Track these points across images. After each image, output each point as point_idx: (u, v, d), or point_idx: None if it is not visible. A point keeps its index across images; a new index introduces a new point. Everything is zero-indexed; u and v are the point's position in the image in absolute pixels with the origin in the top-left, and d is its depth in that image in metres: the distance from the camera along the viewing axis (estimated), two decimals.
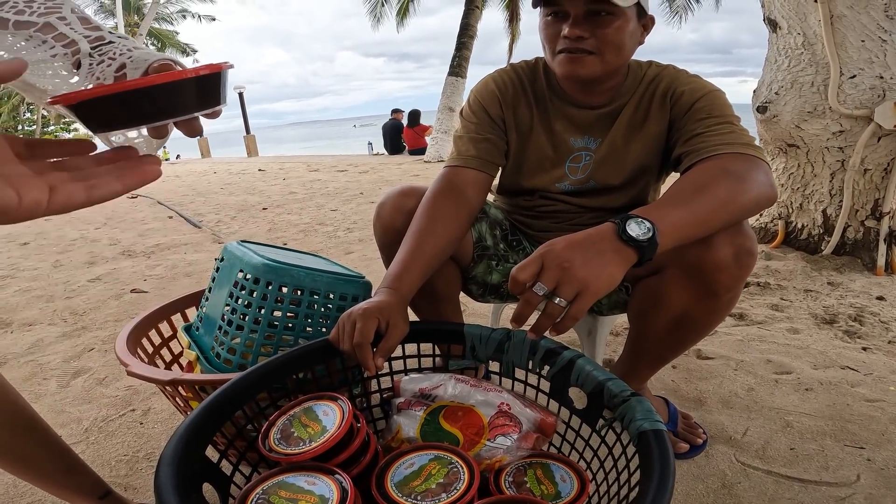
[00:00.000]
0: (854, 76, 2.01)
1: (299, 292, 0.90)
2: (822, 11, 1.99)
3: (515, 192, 1.11)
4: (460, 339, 0.84)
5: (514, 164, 1.06)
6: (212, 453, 0.65)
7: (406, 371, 0.89)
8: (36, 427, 0.78)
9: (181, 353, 1.12)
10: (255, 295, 0.88)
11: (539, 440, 0.78)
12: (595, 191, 1.04)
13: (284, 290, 0.90)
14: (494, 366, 0.86)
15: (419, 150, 8.50)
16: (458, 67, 8.09)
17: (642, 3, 0.89)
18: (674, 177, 0.91)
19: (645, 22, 0.94)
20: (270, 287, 0.88)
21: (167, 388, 0.85)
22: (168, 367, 1.11)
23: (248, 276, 0.89)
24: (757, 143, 0.84)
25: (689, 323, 0.88)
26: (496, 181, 1.10)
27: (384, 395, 0.92)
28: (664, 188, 1.05)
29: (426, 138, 8.47)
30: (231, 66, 0.40)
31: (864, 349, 1.48)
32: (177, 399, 0.92)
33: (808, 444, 1.07)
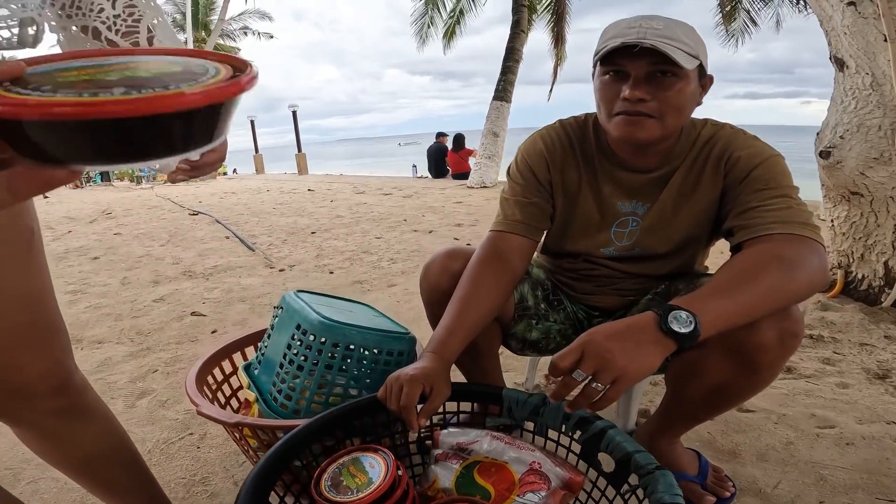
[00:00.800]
0: None
1: (351, 347, 0.98)
2: (892, 51, 1.91)
3: (559, 254, 1.12)
4: (498, 401, 0.89)
5: (560, 227, 1.06)
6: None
7: (446, 424, 0.95)
8: (134, 461, 0.88)
9: (240, 387, 1.22)
10: (311, 349, 0.97)
11: (566, 497, 0.82)
12: (640, 257, 1.03)
13: (338, 344, 0.98)
14: (529, 424, 0.91)
15: (462, 175, 8.60)
16: (503, 92, 8.17)
17: (704, 63, 0.87)
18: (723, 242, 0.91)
19: (704, 82, 0.91)
20: (325, 342, 0.96)
21: (231, 428, 0.95)
22: (227, 400, 1.21)
23: (306, 330, 0.98)
24: (826, 192, 0.82)
25: (727, 392, 0.88)
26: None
27: (425, 442, 0.98)
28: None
29: (469, 162, 8.57)
30: (251, 81, 0.28)
31: None
32: (235, 433, 1.01)
33: (839, 498, 1.06)
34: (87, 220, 5.78)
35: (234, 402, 1.24)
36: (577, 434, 0.83)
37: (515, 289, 1.09)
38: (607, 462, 0.80)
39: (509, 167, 1.08)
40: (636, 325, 0.68)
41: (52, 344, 0.71)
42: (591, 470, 0.83)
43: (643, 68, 0.84)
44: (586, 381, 0.67)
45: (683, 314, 0.67)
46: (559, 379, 0.68)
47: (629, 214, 1.01)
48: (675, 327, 0.66)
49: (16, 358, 0.66)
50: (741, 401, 0.92)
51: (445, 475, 0.85)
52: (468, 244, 2.50)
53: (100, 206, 7.58)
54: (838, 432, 1.29)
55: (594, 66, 0.92)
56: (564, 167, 1.02)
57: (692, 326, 0.66)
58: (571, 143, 1.02)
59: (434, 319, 0.96)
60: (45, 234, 5.08)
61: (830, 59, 2.23)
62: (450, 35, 11.95)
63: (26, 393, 0.70)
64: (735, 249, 0.87)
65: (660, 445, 1.04)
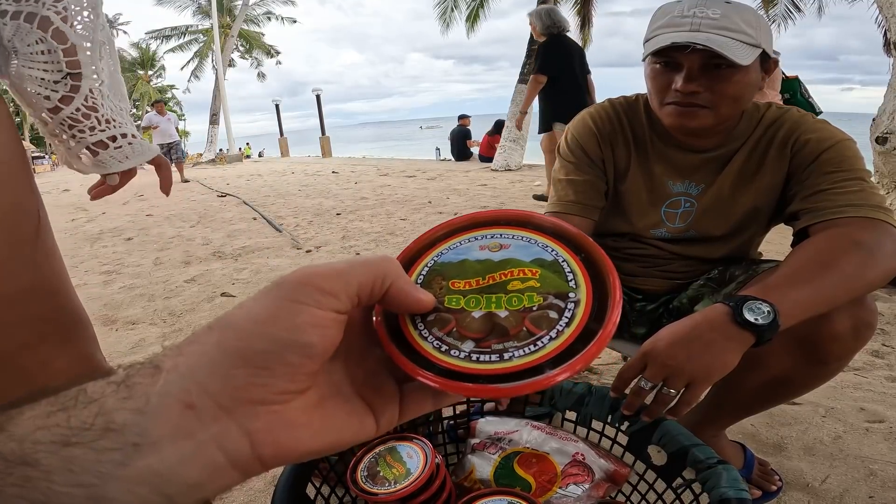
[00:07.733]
0: None
1: None
2: None
3: (604, 234, 1.08)
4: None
5: (608, 205, 1.02)
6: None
7: (483, 413, 0.92)
8: None
9: None
10: None
11: (609, 489, 0.79)
12: (694, 240, 0.99)
13: None
14: (571, 414, 0.87)
15: (489, 158, 8.50)
16: (528, 75, 8.00)
17: (767, 49, 0.82)
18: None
19: (768, 66, 0.86)
20: None
21: None
22: None
23: None
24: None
25: (787, 384, 0.84)
26: None
27: (457, 431, 0.95)
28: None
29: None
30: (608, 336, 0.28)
31: None
32: None
33: (889, 493, 1.02)
34: (120, 202, 5.88)
35: None
36: (626, 426, 0.79)
37: None
38: (656, 456, 0.76)
39: (558, 146, 1.04)
40: (703, 324, 0.63)
41: (75, 336, 0.64)
42: (637, 462, 0.79)
43: (697, 61, 0.80)
44: (658, 388, 0.63)
45: (760, 304, 0.62)
46: (628, 390, 0.65)
47: (681, 195, 0.96)
48: (752, 318, 0.61)
49: (37, 354, 0.59)
50: (801, 394, 0.88)
51: (483, 465, 0.82)
52: None
53: (132, 188, 7.71)
54: (888, 427, 1.25)
55: (644, 53, 0.88)
56: (614, 144, 0.98)
57: (771, 317, 0.61)
58: (620, 120, 0.98)
59: None
60: (79, 215, 5.21)
61: (887, 44, 2.17)
62: (473, 18, 11.72)
63: None
64: (799, 234, 0.83)
65: (704, 437, 0.99)
